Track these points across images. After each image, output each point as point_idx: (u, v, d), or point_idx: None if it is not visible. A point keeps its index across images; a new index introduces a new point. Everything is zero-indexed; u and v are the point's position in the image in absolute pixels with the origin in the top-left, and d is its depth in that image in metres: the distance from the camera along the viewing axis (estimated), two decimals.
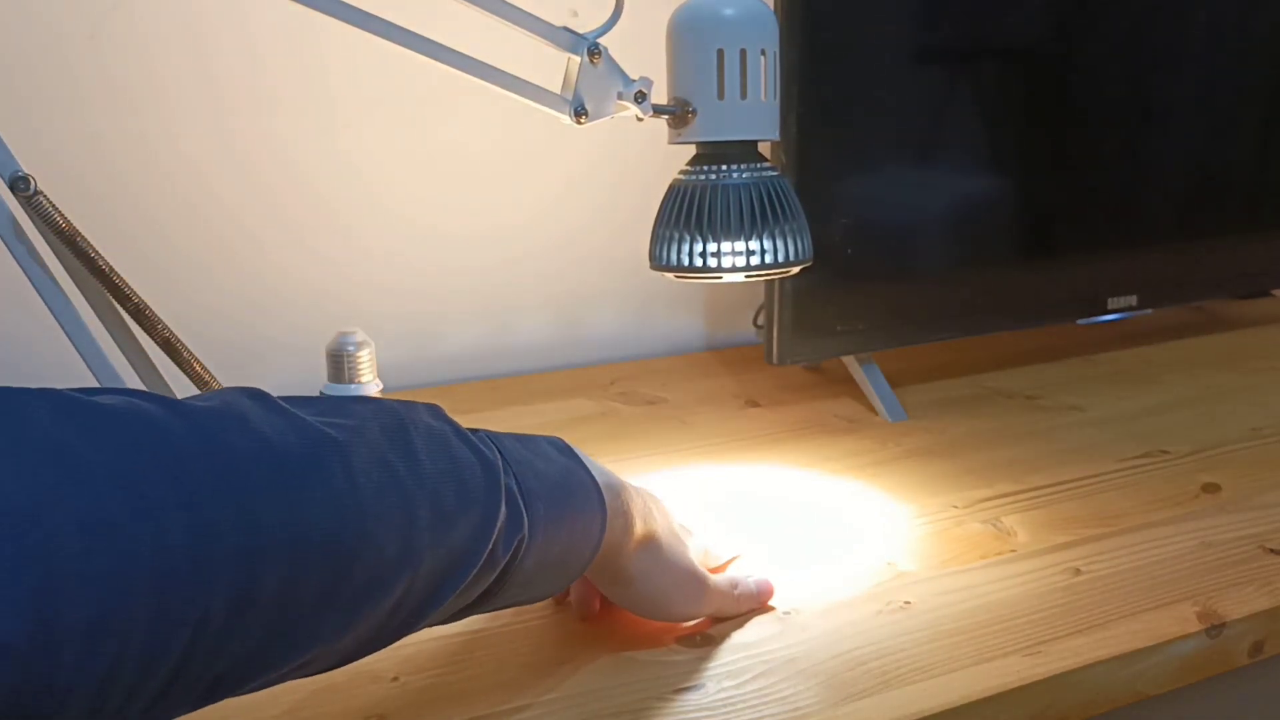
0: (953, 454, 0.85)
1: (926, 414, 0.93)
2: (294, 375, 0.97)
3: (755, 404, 0.97)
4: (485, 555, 0.44)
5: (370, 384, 0.69)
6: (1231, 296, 1.27)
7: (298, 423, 0.39)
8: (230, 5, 0.90)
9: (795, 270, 0.67)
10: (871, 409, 0.94)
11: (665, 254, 0.66)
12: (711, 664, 0.56)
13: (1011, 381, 1.02)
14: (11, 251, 0.57)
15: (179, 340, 0.60)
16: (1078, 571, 0.66)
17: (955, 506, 0.75)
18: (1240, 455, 0.84)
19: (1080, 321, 1.14)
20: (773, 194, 0.65)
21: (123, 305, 0.60)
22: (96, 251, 0.58)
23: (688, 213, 0.65)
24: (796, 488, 0.79)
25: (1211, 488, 0.78)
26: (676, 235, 0.65)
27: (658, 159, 1.10)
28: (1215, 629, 0.60)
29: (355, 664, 0.56)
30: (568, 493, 0.50)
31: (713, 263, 0.64)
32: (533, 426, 0.90)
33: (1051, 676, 0.55)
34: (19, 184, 0.55)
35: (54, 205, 0.57)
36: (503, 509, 0.45)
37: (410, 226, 1.01)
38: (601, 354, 1.11)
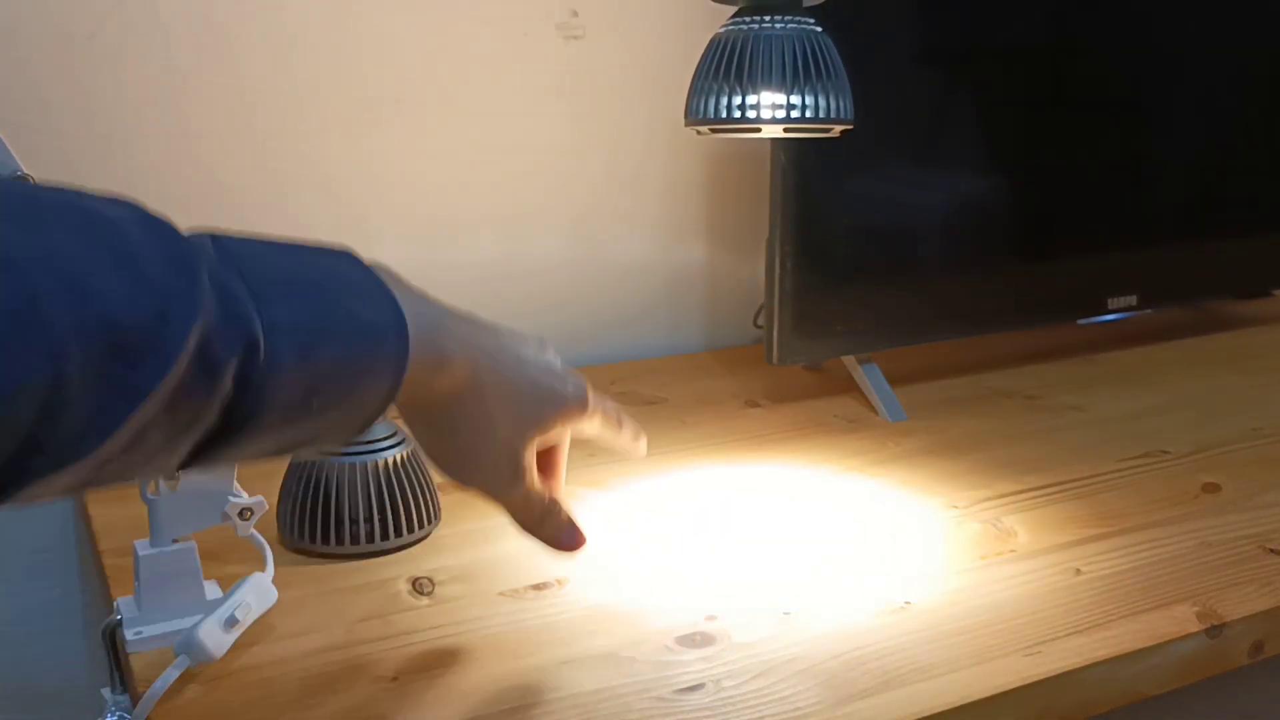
0: (953, 454, 0.85)
1: (926, 414, 0.93)
2: None
3: (755, 404, 0.97)
4: (187, 346, 0.34)
5: None
6: (1231, 296, 1.27)
7: None
8: (236, 6, 0.90)
9: (835, 131, 0.64)
10: (871, 409, 0.94)
11: (702, 107, 0.63)
12: (711, 664, 0.56)
13: (1011, 381, 1.02)
14: None
15: None
16: (1078, 571, 0.66)
17: (955, 506, 0.75)
18: (1240, 455, 0.84)
19: (1080, 321, 1.14)
20: (815, 48, 0.62)
21: None
22: None
23: (726, 64, 0.62)
24: (796, 488, 0.79)
25: (1211, 488, 0.78)
26: (714, 87, 0.63)
27: (658, 160, 1.10)
28: (1215, 629, 0.60)
29: (355, 664, 0.56)
30: (341, 295, 0.41)
31: (751, 114, 0.62)
32: None
33: (1051, 676, 0.55)
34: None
35: None
36: (204, 296, 0.35)
37: (410, 225, 1.01)
38: (601, 354, 1.11)
